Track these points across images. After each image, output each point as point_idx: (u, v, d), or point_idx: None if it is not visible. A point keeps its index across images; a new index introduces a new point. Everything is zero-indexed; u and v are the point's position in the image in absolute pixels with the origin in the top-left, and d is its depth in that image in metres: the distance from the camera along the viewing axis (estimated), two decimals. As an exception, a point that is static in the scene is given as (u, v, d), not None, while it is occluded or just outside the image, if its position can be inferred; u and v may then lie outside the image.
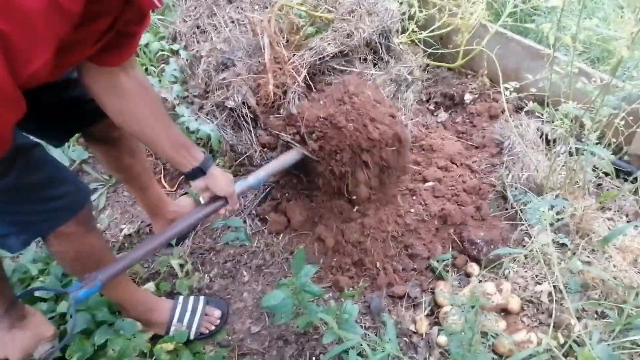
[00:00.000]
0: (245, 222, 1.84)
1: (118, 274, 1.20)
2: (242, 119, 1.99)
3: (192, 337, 1.53)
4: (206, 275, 1.73)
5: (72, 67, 1.13)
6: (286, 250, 1.77)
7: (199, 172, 1.31)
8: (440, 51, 2.37)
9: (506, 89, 1.92)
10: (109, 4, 0.87)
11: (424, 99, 2.33)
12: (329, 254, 1.72)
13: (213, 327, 1.56)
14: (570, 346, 1.45)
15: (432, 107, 2.34)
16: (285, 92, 2.04)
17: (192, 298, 1.60)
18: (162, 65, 2.27)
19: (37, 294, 1.48)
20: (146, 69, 2.24)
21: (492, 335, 1.45)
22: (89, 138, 1.47)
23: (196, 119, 2.00)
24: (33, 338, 1.12)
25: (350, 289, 1.65)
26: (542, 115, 1.66)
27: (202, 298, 1.60)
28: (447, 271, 1.69)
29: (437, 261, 1.70)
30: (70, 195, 1.14)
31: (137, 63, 1.27)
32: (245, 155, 1.98)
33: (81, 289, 1.12)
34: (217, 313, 1.58)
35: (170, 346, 1.43)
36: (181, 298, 1.59)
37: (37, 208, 1.07)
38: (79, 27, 0.81)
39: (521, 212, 1.80)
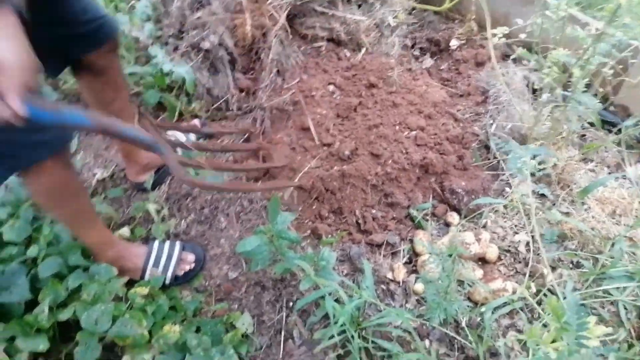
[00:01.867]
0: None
1: (110, 130, 1.03)
2: (219, 61, 1.91)
3: (167, 281, 1.51)
4: (182, 220, 1.70)
5: None
6: (264, 197, 1.74)
7: None
8: (428, -8, 2.27)
9: (494, 35, 1.85)
10: None
11: (409, 45, 2.25)
12: (307, 202, 1.69)
13: (188, 269, 1.54)
14: (545, 294, 1.48)
15: (417, 52, 2.26)
16: (264, 35, 1.95)
17: (167, 243, 1.57)
18: (133, 1, 2.13)
19: (6, 237, 1.43)
20: (115, 6, 2.11)
21: (468, 284, 1.46)
22: (77, 67, 1.40)
23: (170, 60, 1.91)
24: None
25: (329, 236, 1.63)
26: (530, 62, 1.61)
27: (177, 243, 1.58)
28: (427, 220, 1.68)
29: (417, 210, 1.69)
30: (55, 130, 1.11)
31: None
32: (222, 100, 1.90)
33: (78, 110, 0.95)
34: (192, 257, 1.57)
35: (145, 290, 1.41)
36: (156, 243, 1.56)
37: (20, 140, 1.04)
38: None
39: (503, 162, 1.79)
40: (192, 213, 1.71)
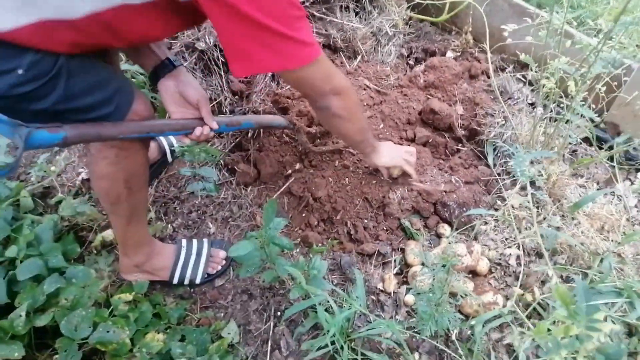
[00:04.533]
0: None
1: (88, 137, 1.07)
2: (213, 63, 1.87)
3: (199, 280, 1.49)
4: (169, 225, 1.65)
5: None
6: (254, 203, 1.70)
7: (169, 65, 1.23)
8: (426, 1, 2.26)
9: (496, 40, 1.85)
10: None
11: (405, 54, 2.24)
12: (298, 209, 1.66)
13: (219, 267, 1.52)
14: (535, 309, 1.47)
15: (412, 62, 2.25)
16: (260, 37, 1.91)
17: (195, 241, 1.54)
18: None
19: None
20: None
21: (460, 296, 1.44)
22: None
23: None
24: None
25: (320, 244, 1.60)
26: (531, 70, 1.61)
27: (205, 240, 1.54)
28: (418, 230, 1.66)
29: (409, 221, 1.67)
30: (118, 97, 1.09)
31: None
32: (215, 102, 1.86)
33: (40, 129, 0.99)
34: (222, 254, 1.54)
35: (129, 297, 1.36)
36: (184, 241, 1.53)
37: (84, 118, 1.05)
38: None
39: (498, 174, 1.78)
40: (179, 217, 1.66)
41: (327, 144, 1.74)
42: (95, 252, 1.54)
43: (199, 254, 1.49)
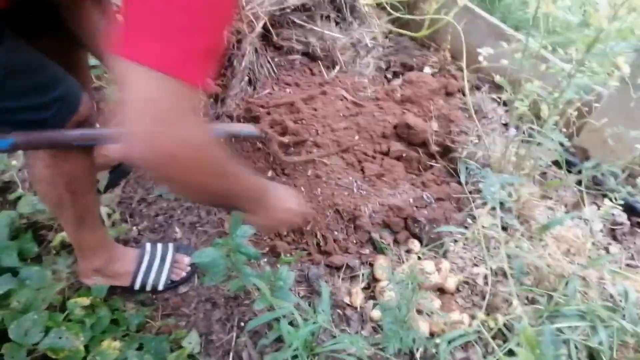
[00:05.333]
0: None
1: (38, 143, 1.01)
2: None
3: (161, 287, 1.44)
4: (135, 227, 1.60)
5: None
6: (223, 209, 1.66)
7: None
8: (406, 16, 2.27)
9: (473, 59, 1.86)
10: None
11: (383, 67, 2.25)
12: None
13: (184, 274, 1.47)
14: (500, 329, 1.47)
15: (390, 75, 2.26)
16: (239, 41, 1.89)
17: (160, 245, 1.49)
18: None
19: None
20: None
21: (427, 314, 1.44)
22: None
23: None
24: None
25: (288, 255, 1.58)
26: (506, 91, 1.63)
27: (170, 245, 1.50)
28: (388, 245, 1.65)
29: (379, 235, 1.66)
30: (59, 103, 1.02)
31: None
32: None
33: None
34: (187, 259, 1.49)
35: (86, 301, 1.31)
36: (148, 245, 1.47)
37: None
38: None
39: (470, 193, 1.79)
40: (145, 220, 1.62)
41: (301, 153, 1.73)
42: (54, 252, 1.48)
43: (163, 259, 1.45)
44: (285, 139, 1.69)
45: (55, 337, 1.15)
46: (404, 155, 1.89)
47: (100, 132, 1.10)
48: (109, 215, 1.57)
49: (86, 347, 1.20)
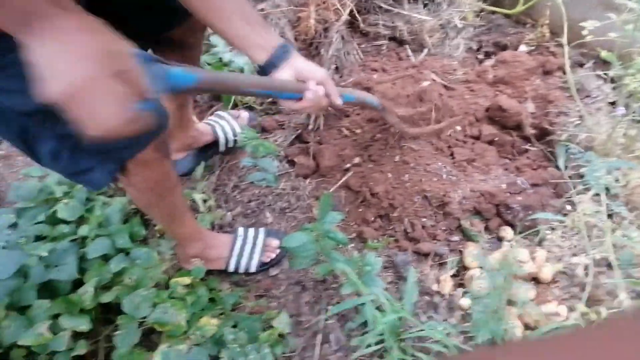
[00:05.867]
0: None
1: (216, 85, 0.98)
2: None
3: (253, 269, 1.52)
4: (229, 212, 1.70)
5: None
6: (312, 195, 1.71)
7: (283, 54, 1.07)
8: (498, -6, 2.16)
9: (576, 34, 1.72)
10: None
11: (474, 47, 2.15)
12: (355, 204, 1.65)
13: (274, 255, 1.54)
14: (602, 324, 1.37)
15: (481, 56, 2.16)
16: (326, 30, 1.91)
17: (252, 230, 1.57)
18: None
19: (59, 215, 1.47)
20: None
21: (520, 304, 1.37)
22: (157, 49, 1.27)
23: (230, 51, 1.91)
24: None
25: (375, 241, 1.58)
26: (614, 67, 1.49)
27: (261, 230, 1.57)
28: (479, 232, 1.60)
29: (469, 222, 1.61)
30: None
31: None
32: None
33: (178, 69, 0.87)
34: (276, 242, 1.55)
35: (187, 280, 1.41)
36: (241, 230, 1.56)
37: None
38: None
39: (570, 178, 1.67)
40: (238, 205, 1.70)
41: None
42: (158, 235, 1.62)
43: (254, 243, 1.52)
44: (402, 112, 1.67)
45: (162, 312, 1.26)
46: (496, 139, 1.80)
47: (264, 81, 1.06)
48: (205, 201, 1.67)
49: (187, 322, 1.30)
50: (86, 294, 1.26)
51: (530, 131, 1.83)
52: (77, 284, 1.31)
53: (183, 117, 1.64)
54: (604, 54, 1.47)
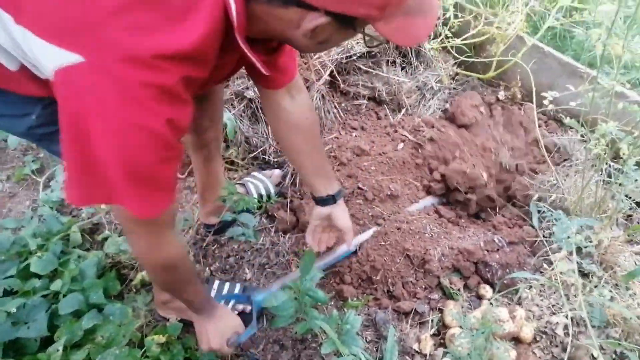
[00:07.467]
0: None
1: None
2: (260, 111, 1.93)
3: None
4: (207, 268, 1.67)
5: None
6: (291, 251, 1.70)
7: (331, 200, 1.40)
8: (472, 60, 2.28)
9: (541, 101, 1.82)
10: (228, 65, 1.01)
11: (449, 108, 2.24)
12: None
13: (242, 308, 1.49)
14: (583, 385, 1.36)
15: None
16: (307, 89, 1.97)
17: (227, 284, 1.53)
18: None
19: (32, 268, 1.43)
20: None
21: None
22: None
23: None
24: (228, 329, 1.30)
25: (355, 299, 1.57)
26: (577, 133, 1.57)
27: (238, 284, 1.53)
28: (458, 290, 1.60)
29: (449, 279, 1.61)
30: None
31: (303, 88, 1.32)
32: (259, 149, 1.91)
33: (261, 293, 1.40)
34: (247, 308, 1.50)
35: (162, 338, 1.37)
36: (216, 283, 1.53)
37: None
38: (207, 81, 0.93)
39: (544, 237, 1.71)
40: (217, 261, 1.68)
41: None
42: (134, 290, 1.58)
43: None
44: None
45: (134, 373, 1.21)
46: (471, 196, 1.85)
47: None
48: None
49: (161, 383, 1.25)
50: (55, 352, 1.20)
51: (504, 189, 1.88)
52: (47, 341, 1.26)
53: (211, 172, 1.62)
54: (567, 120, 1.54)
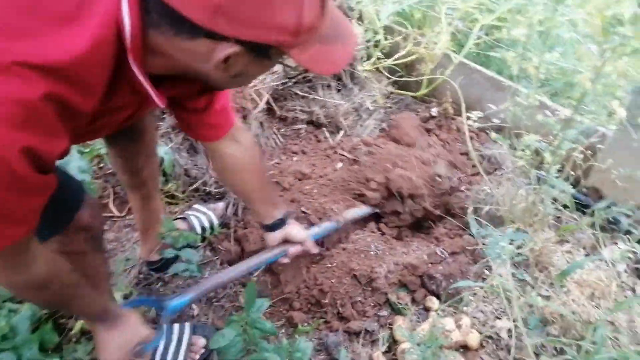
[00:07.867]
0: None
1: (209, 290, 1.47)
2: (199, 143, 1.91)
3: None
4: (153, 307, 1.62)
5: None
6: (238, 282, 1.68)
7: (281, 223, 1.46)
8: (404, 79, 2.36)
9: (469, 117, 1.91)
10: (121, 101, 0.87)
11: (386, 127, 2.31)
12: (282, 288, 1.63)
13: (197, 357, 1.43)
14: (530, 386, 1.41)
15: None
16: (245, 117, 1.98)
17: (177, 326, 1.46)
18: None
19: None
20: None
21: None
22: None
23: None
24: (133, 338, 1.20)
25: (305, 324, 1.57)
26: (501, 145, 1.65)
27: (187, 325, 1.46)
28: (406, 305, 1.63)
29: (396, 295, 1.64)
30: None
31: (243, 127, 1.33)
32: (200, 181, 1.89)
33: (174, 299, 1.33)
34: (202, 342, 1.45)
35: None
36: (164, 327, 1.45)
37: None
38: (96, 120, 0.83)
39: (483, 244, 1.77)
40: (162, 299, 1.63)
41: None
42: (74, 340, 1.50)
43: (179, 341, 1.44)
44: None
45: None
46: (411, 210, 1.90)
47: (244, 266, 1.51)
48: (126, 297, 1.59)
49: None
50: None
51: (442, 201, 1.94)
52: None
53: (150, 209, 1.58)
54: (493, 135, 1.63)
